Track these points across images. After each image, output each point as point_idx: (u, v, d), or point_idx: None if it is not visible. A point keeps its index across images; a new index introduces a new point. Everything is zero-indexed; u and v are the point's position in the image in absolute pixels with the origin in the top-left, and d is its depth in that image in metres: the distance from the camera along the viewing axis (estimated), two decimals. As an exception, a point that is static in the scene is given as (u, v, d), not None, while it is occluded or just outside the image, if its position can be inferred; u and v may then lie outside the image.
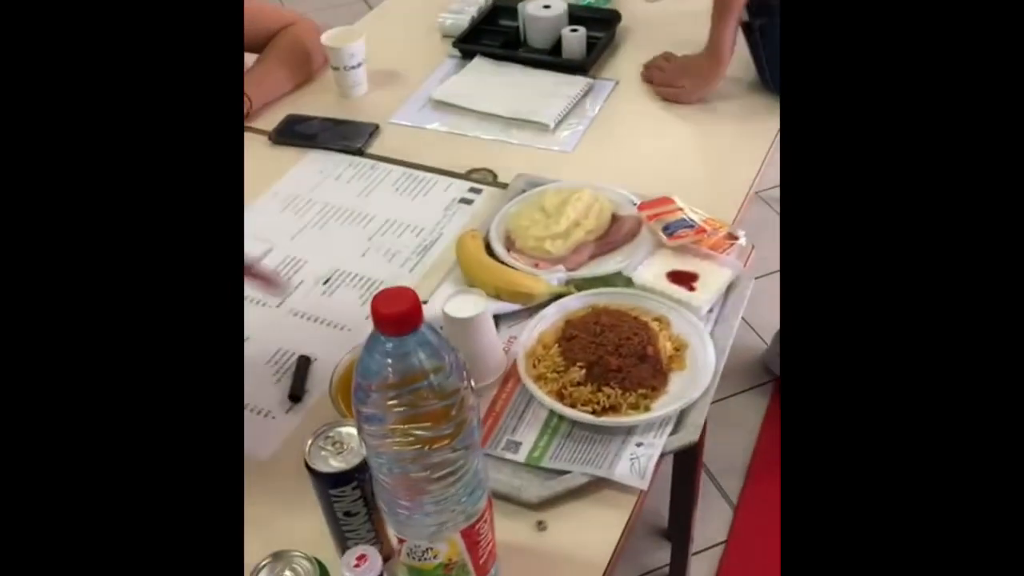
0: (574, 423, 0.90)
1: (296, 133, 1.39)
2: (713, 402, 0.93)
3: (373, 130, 1.38)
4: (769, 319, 1.98)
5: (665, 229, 1.07)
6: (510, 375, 0.96)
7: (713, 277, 1.03)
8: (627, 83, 1.47)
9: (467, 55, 1.55)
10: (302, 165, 1.33)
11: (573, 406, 0.90)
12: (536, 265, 1.08)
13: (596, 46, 1.51)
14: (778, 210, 2.31)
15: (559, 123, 1.37)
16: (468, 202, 1.24)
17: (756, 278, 1.05)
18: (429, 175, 1.29)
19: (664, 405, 0.91)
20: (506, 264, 1.08)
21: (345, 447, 0.74)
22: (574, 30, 1.50)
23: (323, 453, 0.74)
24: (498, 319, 1.00)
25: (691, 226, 1.07)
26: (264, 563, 0.68)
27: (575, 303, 1.02)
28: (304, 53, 1.50)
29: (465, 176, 1.29)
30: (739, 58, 1.42)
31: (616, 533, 0.82)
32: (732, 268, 1.05)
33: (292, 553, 0.69)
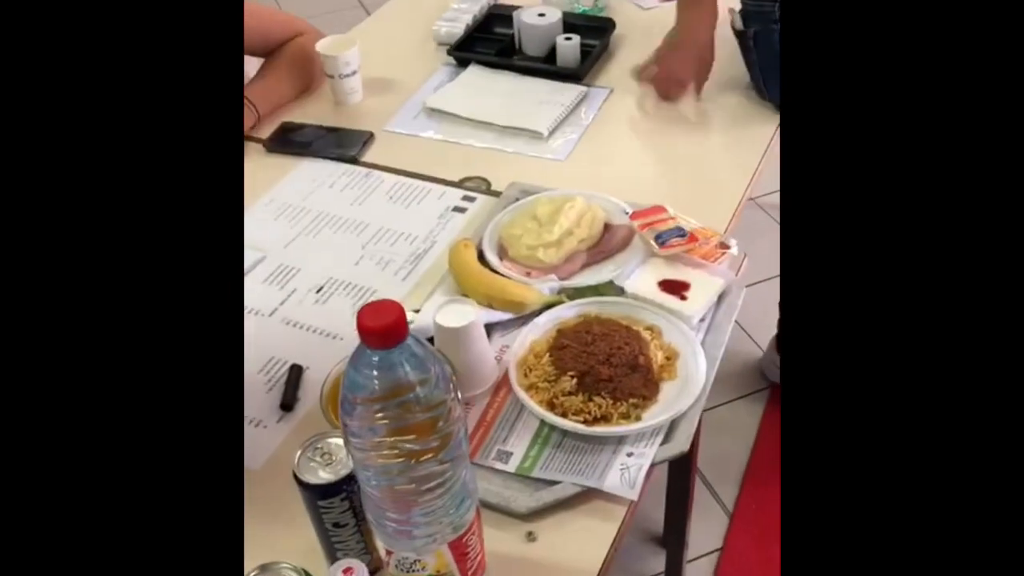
0: (565, 433, 0.90)
1: (291, 141, 1.39)
2: (709, 409, 0.93)
3: (367, 138, 1.39)
4: (765, 325, 1.98)
5: (657, 238, 1.07)
6: (501, 384, 0.96)
7: (705, 286, 1.03)
8: (621, 91, 1.47)
9: (462, 63, 1.55)
10: (296, 173, 1.34)
11: (564, 416, 0.90)
12: (528, 274, 1.08)
13: (590, 54, 1.51)
14: (774, 216, 2.31)
15: (553, 131, 1.38)
16: (462, 210, 1.24)
17: (752, 284, 1.05)
18: (423, 183, 1.30)
19: (655, 415, 0.91)
20: (499, 273, 1.08)
21: (334, 458, 0.74)
22: (568, 38, 1.50)
23: (312, 464, 0.74)
24: (490, 328, 1.00)
25: (683, 235, 1.07)
26: (251, 575, 0.68)
27: (567, 312, 1.02)
28: (311, 65, 1.50)
29: (459, 184, 1.29)
30: (732, 65, 1.42)
31: (606, 544, 0.82)
32: (724, 277, 1.05)
33: (280, 565, 0.69)
